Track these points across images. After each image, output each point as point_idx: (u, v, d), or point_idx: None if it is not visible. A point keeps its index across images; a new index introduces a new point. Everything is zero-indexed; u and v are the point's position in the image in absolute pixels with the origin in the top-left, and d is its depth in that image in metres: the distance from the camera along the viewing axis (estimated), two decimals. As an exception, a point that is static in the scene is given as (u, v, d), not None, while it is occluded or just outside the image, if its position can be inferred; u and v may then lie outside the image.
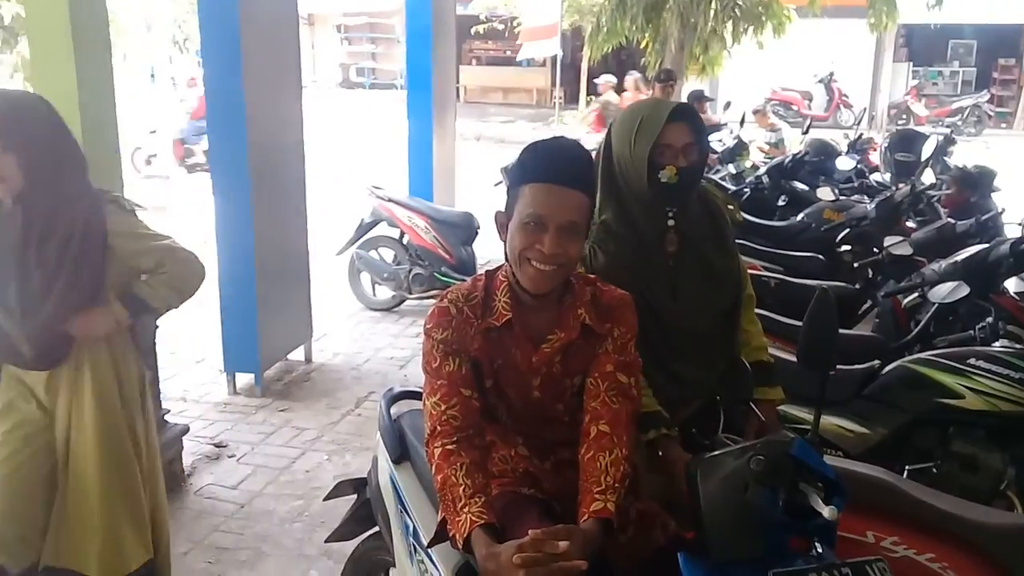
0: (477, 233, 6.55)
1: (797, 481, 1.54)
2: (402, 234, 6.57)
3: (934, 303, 3.85)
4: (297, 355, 5.49)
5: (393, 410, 2.49)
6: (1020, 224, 5.01)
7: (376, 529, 2.59)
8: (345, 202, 8.80)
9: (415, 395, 2.59)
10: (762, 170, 7.17)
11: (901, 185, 5.82)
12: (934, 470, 3.01)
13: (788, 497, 1.54)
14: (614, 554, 1.84)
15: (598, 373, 1.91)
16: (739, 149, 7.93)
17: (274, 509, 3.79)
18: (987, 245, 3.87)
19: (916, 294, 4.06)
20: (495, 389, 1.96)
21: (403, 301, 6.63)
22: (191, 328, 5.68)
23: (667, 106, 2.23)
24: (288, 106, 5.14)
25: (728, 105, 9.96)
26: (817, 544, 1.68)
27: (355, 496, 2.68)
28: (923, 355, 3.14)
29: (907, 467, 2.99)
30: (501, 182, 6.53)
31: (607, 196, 2.28)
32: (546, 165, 1.84)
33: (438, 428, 1.85)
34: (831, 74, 20.64)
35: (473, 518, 1.70)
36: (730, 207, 2.43)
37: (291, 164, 5.19)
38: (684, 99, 9.27)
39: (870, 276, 5.06)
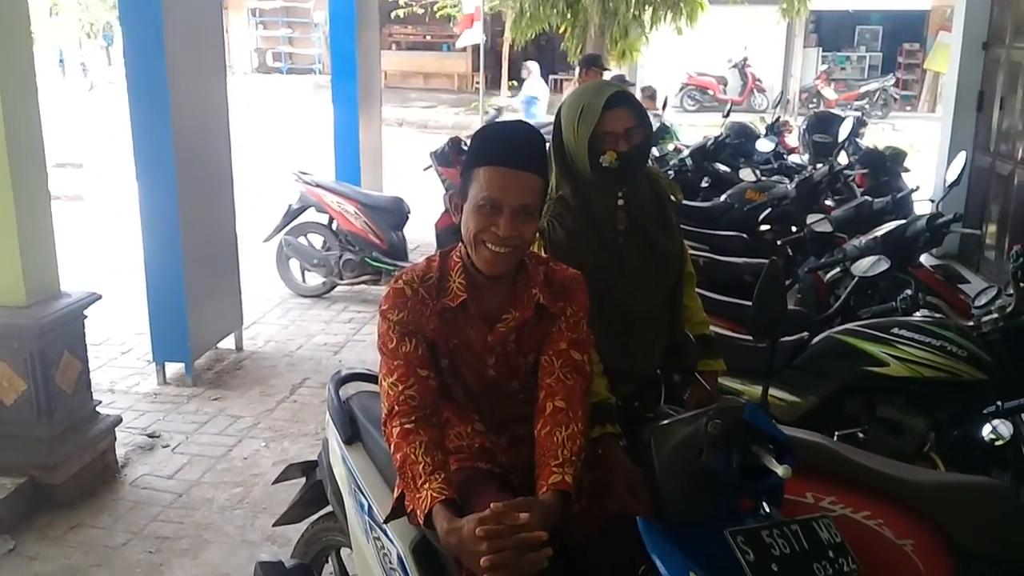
0: (407, 218, 6.54)
1: (749, 444, 1.61)
2: (331, 220, 6.51)
3: (855, 277, 4.03)
4: (227, 344, 5.40)
5: (341, 392, 2.50)
6: (931, 200, 5.25)
7: (326, 511, 2.60)
8: (271, 188, 8.66)
9: (363, 377, 2.60)
10: (685, 153, 7.32)
11: (819, 165, 6.02)
12: (860, 435, 3.15)
13: (741, 459, 1.61)
14: (567, 524, 1.89)
15: (552, 351, 1.95)
16: (662, 132, 8.07)
17: (213, 497, 3.74)
18: (904, 221, 4.05)
19: (838, 269, 4.22)
20: (451, 368, 1.98)
21: (334, 287, 6.58)
22: (114, 318, 5.54)
23: (606, 92, 2.25)
24: (212, 90, 5.04)
25: (643, 89, 10.11)
26: (765, 504, 1.76)
27: (303, 480, 2.68)
28: (849, 326, 3.28)
29: (836, 433, 3.12)
30: (431, 166, 6.53)
31: (562, 174, 2.33)
32: (500, 148, 1.87)
33: (396, 408, 1.87)
34: (745, 59, 21.11)
35: (434, 494, 1.72)
36: (675, 193, 2.49)
37: (217, 149, 5.09)
38: (607, 83, 9.35)
39: (791, 253, 5.23)
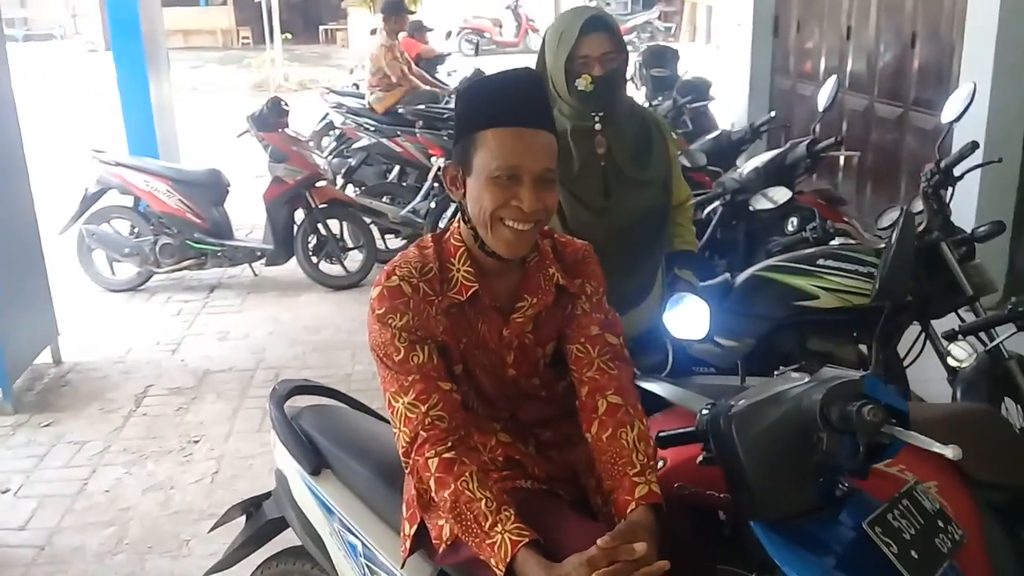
0: (228, 191, 5.90)
1: (881, 423, 1.41)
2: (137, 201, 5.76)
3: (718, 210, 4.04)
4: (44, 358, 4.65)
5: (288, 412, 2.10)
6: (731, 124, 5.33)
7: (277, 550, 2.22)
8: (52, 171, 7.61)
9: (307, 389, 2.22)
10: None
11: (658, 100, 5.99)
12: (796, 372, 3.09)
13: (869, 441, 1.41)
14: None
15: (583, 338, 1.67)
16: (477, 78, 7.78)
17: (83, 544, 3.17)
18: (783, 148, 4.05)
19: (717, 203, 4.17)
20: (465, 374, 1.66)
21: (150, 277, 5.87)
22: None
23: (583, 16, 2.32)
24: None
25: (450, 34, 9.79)
26: (843, 481, 1.58)
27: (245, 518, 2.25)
28: (771, 262, 3.19)
29: (775, 372, 3.05)
30: (246, 131, 5.90)
31: None
32: (509, 104, 1.55)
33: (422, 433, 1.53)
34: (516, 1, 21.09)
35: (513, 537, 1.41)
36: (671, 139, 2.58)
37: (4, 133, 4.29)
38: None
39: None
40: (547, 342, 1.71)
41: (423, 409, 1.54)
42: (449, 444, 1.52)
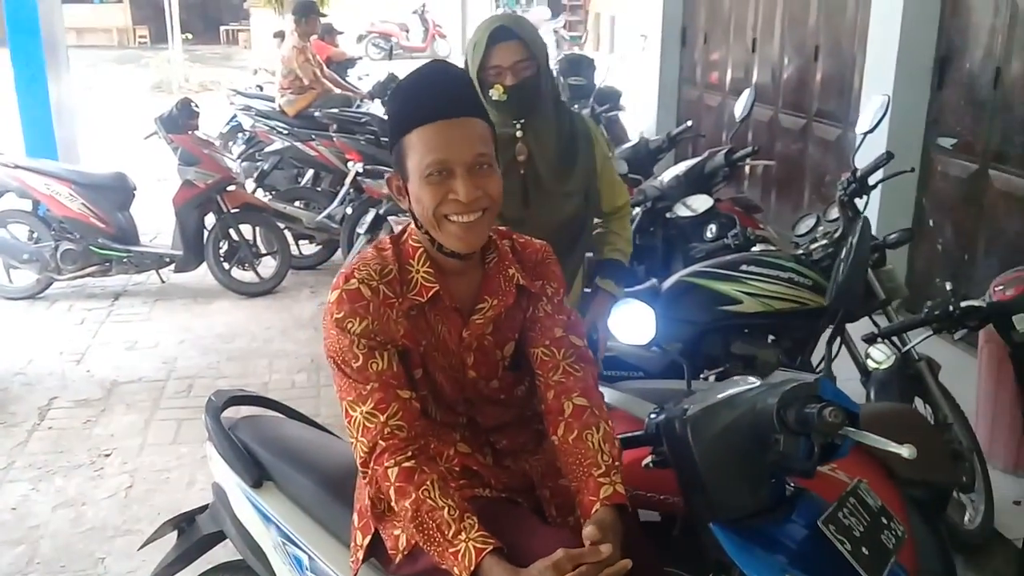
0: (134, 195, 5.68)
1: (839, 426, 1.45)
2: (37, 205, 5.50)
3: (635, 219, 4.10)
4: (-63, 370, 4.40)
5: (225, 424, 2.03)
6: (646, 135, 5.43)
7: (209, 568, 2.15)
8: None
9: (244, 400, 2.16)
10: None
11: (575, 108, 6.05)
12: (713, 377, 3.17)
13: (824, 442, 1.45)
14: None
15: (548, 340, 1.67)
16: (390, 83, 7.72)
17: (-9, 566, 3.02)
18: (702, 157, 4.14)
19: (638, 210, 4.23)
20: (425, 379, 1.63)
21: (50, 284, 5.60)
22: None
23: (491, 27, 2.32)
24: None
25: (361, 38, 9.68)
26: (789, 481, 1.63)
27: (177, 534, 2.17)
28: (697, 267, 3.26)
29: (702, 375, 3.12)
30: (154, 133, 5.71)
31: None
32: (429, 101, 1.53)
33: (381, 443, 1.51)
34: (424, 6, 21.00)
35: (477, 545, 1.39)
36: (601, 143, 2.60)
37: None
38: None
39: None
40: (505, 343, 1.69)
41: (382, 419, 1.51)
42: (409, 453, 1.50)
